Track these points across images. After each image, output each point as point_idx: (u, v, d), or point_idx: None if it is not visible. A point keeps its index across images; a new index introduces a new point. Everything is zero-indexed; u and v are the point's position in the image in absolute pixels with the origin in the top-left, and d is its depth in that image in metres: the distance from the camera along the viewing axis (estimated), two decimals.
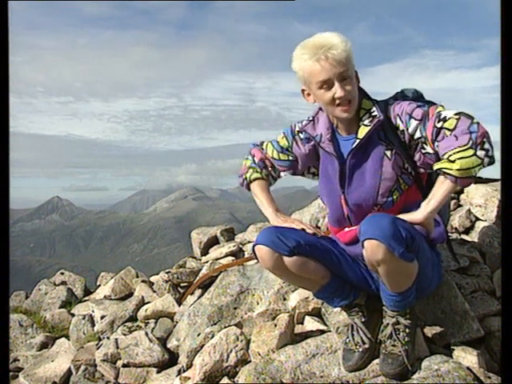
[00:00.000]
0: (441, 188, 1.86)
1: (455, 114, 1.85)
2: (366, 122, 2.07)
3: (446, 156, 1.80)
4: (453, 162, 1.77)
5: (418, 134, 1.98)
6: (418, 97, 2.28)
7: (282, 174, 2.48)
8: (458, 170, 1.76)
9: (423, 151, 1.99)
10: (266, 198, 2.38)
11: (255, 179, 2.42)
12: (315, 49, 1.94)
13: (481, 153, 1.75)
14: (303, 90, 2.12)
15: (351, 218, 2.18)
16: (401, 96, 2.27)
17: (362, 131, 2.06)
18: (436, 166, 1.86)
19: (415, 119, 1.98)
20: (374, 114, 2.06)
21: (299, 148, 2.33)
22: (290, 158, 2.38)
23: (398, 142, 2.04)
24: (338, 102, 2.00)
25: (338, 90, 1.97)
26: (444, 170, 1.81)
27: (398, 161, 2.06)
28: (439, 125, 1.86)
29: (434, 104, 2.09)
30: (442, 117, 1.87)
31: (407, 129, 2.00)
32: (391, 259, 1.82)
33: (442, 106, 1.98)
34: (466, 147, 1.76)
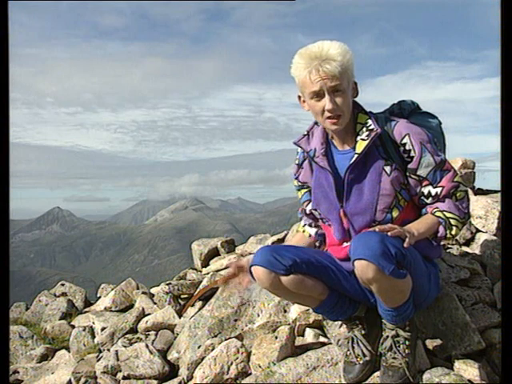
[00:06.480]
0: (429, 227, 2.05)
1: (465, 190, 2.11)
2: (364, 135, 2.06)
3: (447, 214, 2.06)
4: (451, 224, 2.06)
5: (422, 172, 2.05)
6: (414, 108, 2.33)
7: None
8: (451, 233, 2.07)
9: (422, 190, 2.09)
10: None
11: (297, 231, 2.55)
12: (310, 59, 1.94)
13: (463, 229, 2.06)
14: (299, 97, 2.12)
15: (351, 231, 2.15)
16: (397, 108, 2.31)
17: (360, 145, 2.06)
18: (438, 214, 2.07)
19: (432, 158, 2.04)
20: (370, 127, 2.06)
21: (302, 172, 2.32)
22: (305, 188, 2.36)
23: (399, 157, 2.07)
24: (327, 114, 2.01)
25: (327, 103, 1.98)
26: (442, 222, 2.05)
27: (398, 176, 2.07)
28: (452, 191, 2.07)
29: (444, 148, 2.33)
30: (459, 189, 2.08)
31: (421, 157, 2.04)
32: (382, 277, 1.83)
33: (452, 166, 2.11)
34: (462, 220, 2.08)
